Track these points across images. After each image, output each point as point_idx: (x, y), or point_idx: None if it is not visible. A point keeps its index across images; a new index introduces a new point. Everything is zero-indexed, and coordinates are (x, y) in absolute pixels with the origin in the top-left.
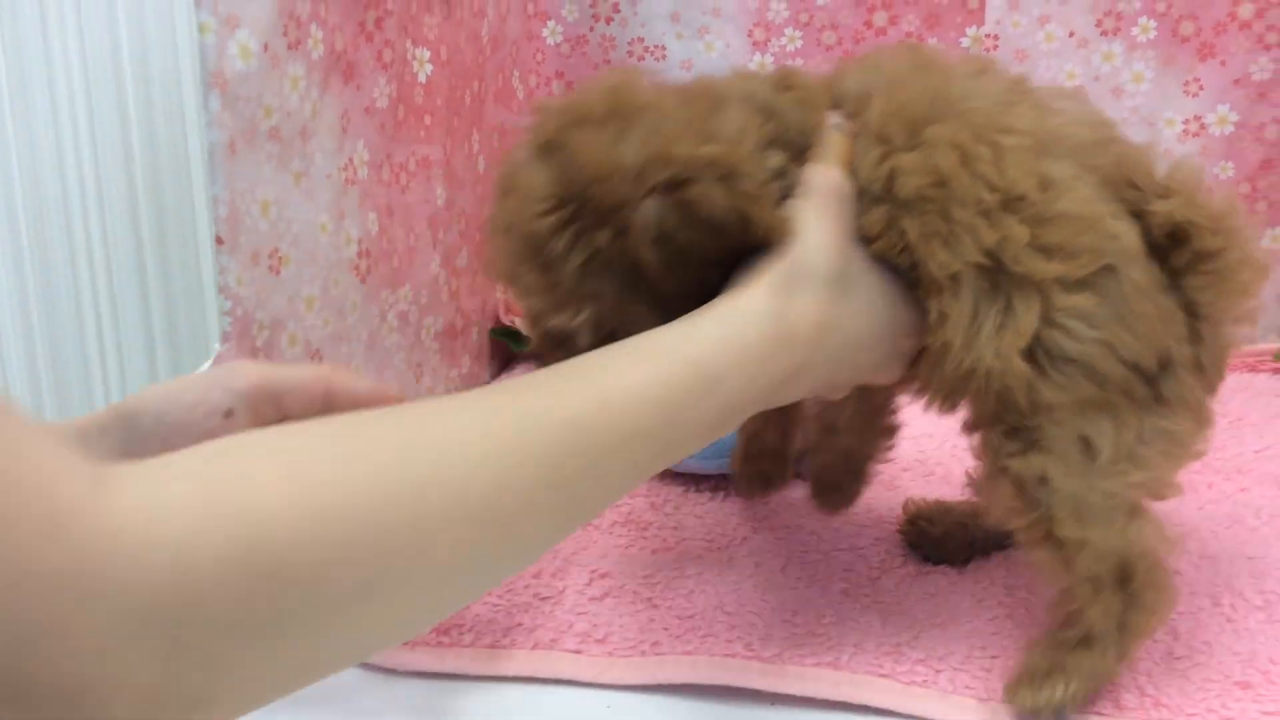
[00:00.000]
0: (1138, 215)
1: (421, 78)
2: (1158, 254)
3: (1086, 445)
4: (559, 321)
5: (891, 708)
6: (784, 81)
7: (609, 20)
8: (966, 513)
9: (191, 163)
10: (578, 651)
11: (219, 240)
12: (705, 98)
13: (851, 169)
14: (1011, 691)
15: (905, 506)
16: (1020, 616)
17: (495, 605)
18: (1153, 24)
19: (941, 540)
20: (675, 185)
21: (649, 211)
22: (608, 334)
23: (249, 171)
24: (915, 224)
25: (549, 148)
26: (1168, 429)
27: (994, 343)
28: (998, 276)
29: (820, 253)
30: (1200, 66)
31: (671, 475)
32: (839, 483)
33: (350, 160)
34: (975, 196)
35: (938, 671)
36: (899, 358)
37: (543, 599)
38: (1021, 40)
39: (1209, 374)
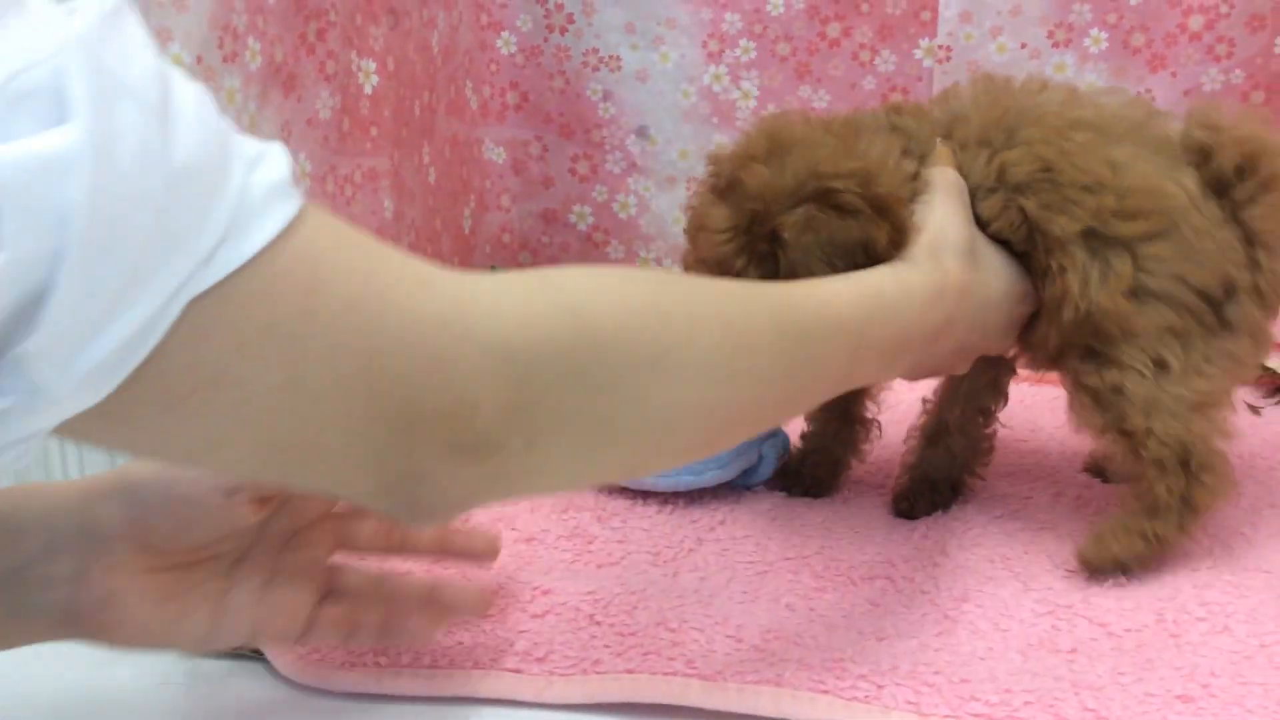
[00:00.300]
0: (1200, 163)
1: (367, 89)
2: (1220, 192)
3: (1160, 363)
4: None
5: None
6: (897, 110)
7: (563, 31)
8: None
9: None
10: (518, 671)
11: None
12: (848, 126)
13: (961, 172)
14: (1081, 552)
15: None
16: (969, 628)
17: None
18: (1104, 35)
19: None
20: (823, 193)
21: (799, 216)
22: None
23: None
24: (1032, 201)
25: (725, 188)
26: (1230, 350)
27: (1104, 288)
28: (1096, 238)
29: (952, 228)
30: (1151, 78)
31: (621, 490)
32: (938, 486)
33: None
34: (1072, 178)
35: (880, 687)
36: (1015, 324)
37: (483, 616)
38: (973, 52)
39: (1268, 299)
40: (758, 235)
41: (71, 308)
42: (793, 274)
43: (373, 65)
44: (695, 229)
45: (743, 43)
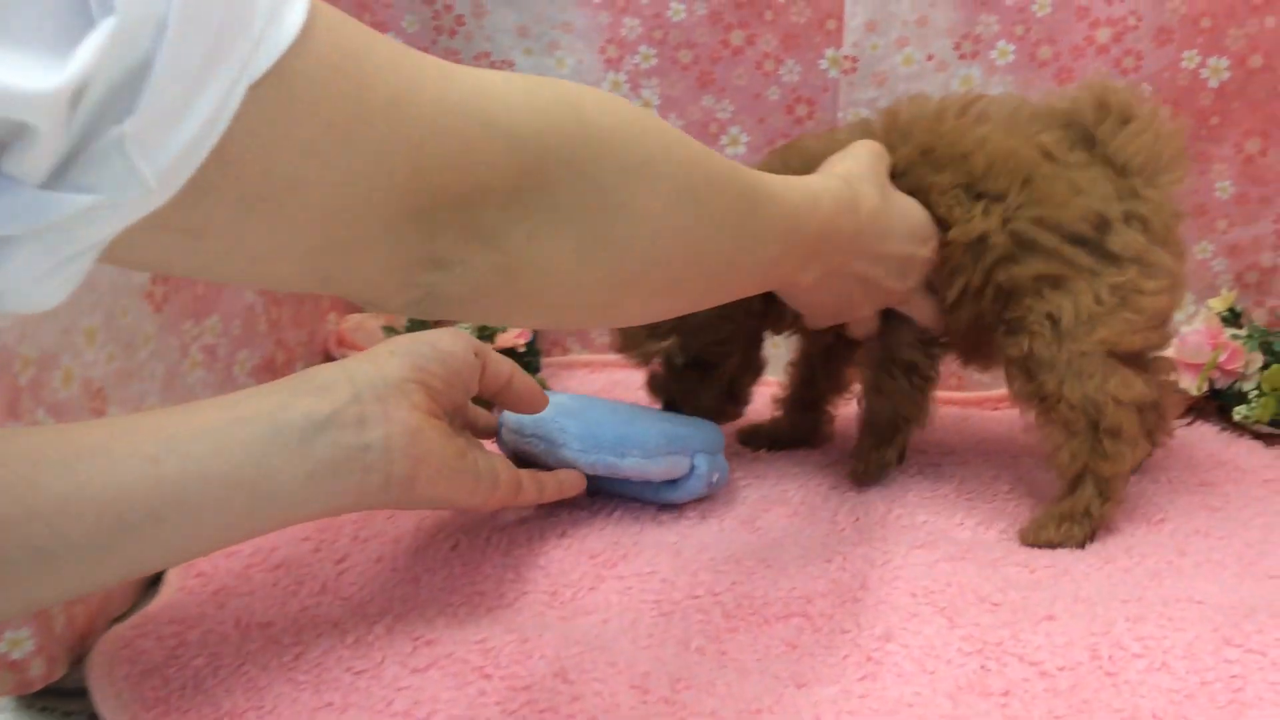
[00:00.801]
0: (1069, 123)
1: None
2: (1088, 140)
3: (1053, 320)
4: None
5: None
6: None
7: (452, 33)
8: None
9: None
10: None
11: None
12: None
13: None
14: (1022, 537)
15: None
16: (894, 671)
17: (300, 682)
18: (1011, 48)
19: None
20: None
21: None
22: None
23: None
24: (919, 173)
25: None
26: (1118, 283)
27: (985, 221)
28: (969, 190)
29: (867, 167)
30: (1058, 91)
31: (517, 519)
32: (883, 436)
33: None
34: (946, 153)
35: None
36: (917, 267)
37: (357, 673)
38: (879, 63)
39: (1152, 224)
40: None
41: (165, 86)
42: None
43: None
44: None
45: (642, 49)
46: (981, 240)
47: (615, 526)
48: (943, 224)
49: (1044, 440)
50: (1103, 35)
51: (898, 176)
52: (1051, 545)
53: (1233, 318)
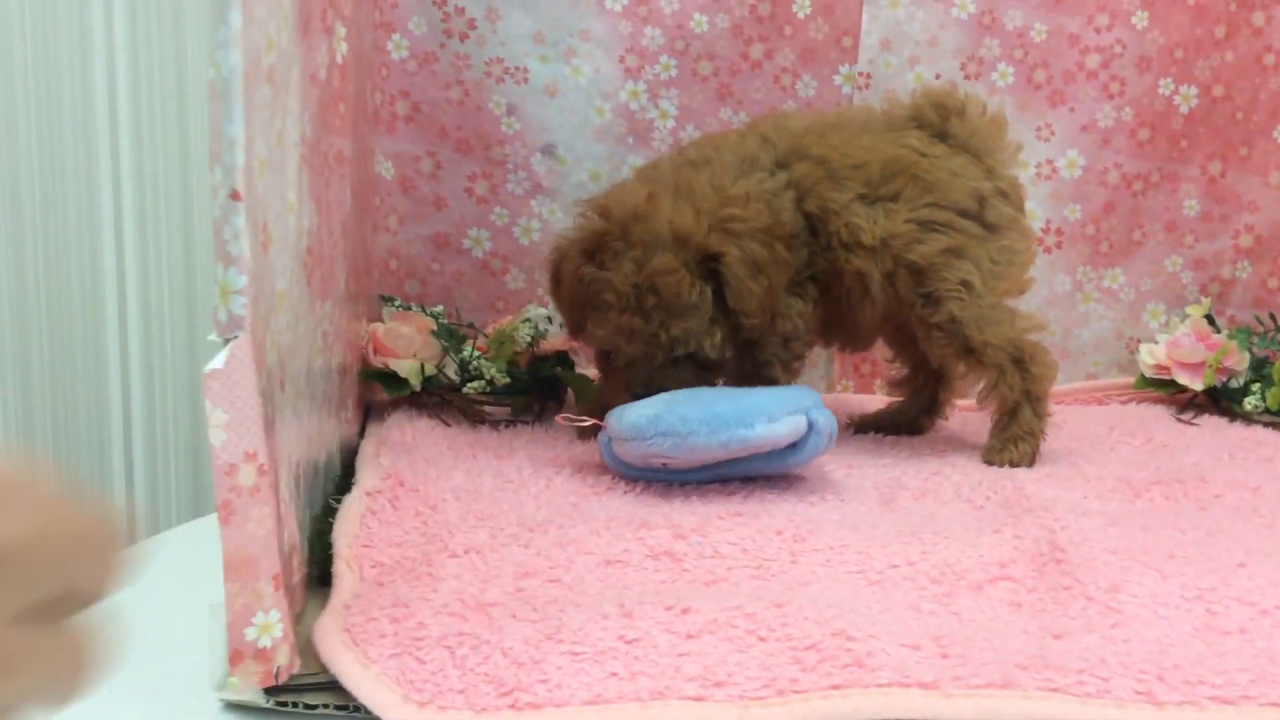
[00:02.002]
0: (921, 124)
1: (338, 56)
2: (942, 135)
3: (966, 284)
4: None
5: None
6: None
7: (463, 37)
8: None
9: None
10: (700, 699)
11: (235, 195)
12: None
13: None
14: (985, 459)
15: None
16: (1135, 619)
17: (579, 654)
18: (1010, 70)
19: None
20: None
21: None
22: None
23: (255, 115)
24: (828, 179)
25: (600, 262)
26: (1006, 246)
27: (889, 222)
28: (868, 199)
29: None
30: (1051, 113)
31: (667, 489)
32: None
33: (304, 134)
34: (844, 165)
35: (1104, 679)
36: None
37: (630, 642)
38: (892, 80)
39: (1011, 196)
40: (698, 263)
41: None
42: (737, 284)
43: (344, 31)
44: (652, 276)
45: (663, 59)
46: (887, 238)
47: (783, 505)
48: (837, 239)
49: (979, 383)
50: (1092, 61)
51: (802, 195)
52: (1012, 464)
53: (1209, 322)
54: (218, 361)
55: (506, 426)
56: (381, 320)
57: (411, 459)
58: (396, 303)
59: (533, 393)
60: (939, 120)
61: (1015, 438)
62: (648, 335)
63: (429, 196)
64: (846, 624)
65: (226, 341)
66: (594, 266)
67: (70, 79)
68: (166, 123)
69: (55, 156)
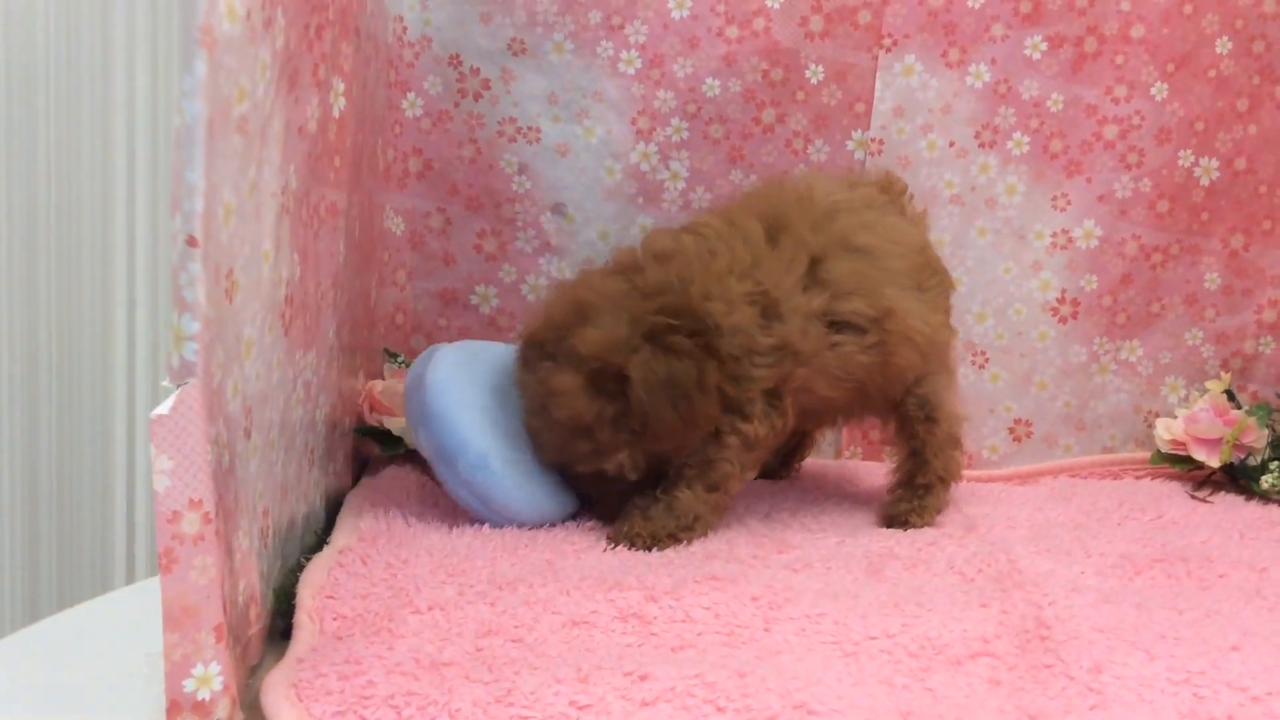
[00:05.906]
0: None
1: (335, 111)
2: (896, 208)
3: (949, 385)
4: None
5: None
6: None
7: (477, 97)
8: None
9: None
10: None
11: (191, 241)
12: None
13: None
14: (888, 520)
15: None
16: (1116, 700)
17: (528, 718)
18: (1026, 139)
19: None
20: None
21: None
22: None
23: (220, 163)
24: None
25: (561, 355)
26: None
27: (934, 316)
28: (914, 290)
29: None
30: (1068, 182)
31: (666, 565)
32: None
33: (287, 184)
34: (889, 251)
35: None
36: None
37: (582, 708)
38: (904, 147)
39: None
40: (607, 382)
41: None
42: (641, 409)
43: (342, 86)
44: (546, 396)
45: (675, 121)
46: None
47: (763, 571)
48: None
49: (930, 451)
50: (1109, 132)
51: (826, 281)
52: (922, 527)
53: (1230, 398)
54: (164, 407)
55: None
56: (383, 376)
57: (392, 515)
58: (400, 359)
59: None
60: (895, 194)
61: (925, 507)
62: (553, 448)
63: (438, 252)
64: (809, 696)
65: (179, 386)
66: (521, 365)
67: (90, 88)
68: None
69: (72, 171)
